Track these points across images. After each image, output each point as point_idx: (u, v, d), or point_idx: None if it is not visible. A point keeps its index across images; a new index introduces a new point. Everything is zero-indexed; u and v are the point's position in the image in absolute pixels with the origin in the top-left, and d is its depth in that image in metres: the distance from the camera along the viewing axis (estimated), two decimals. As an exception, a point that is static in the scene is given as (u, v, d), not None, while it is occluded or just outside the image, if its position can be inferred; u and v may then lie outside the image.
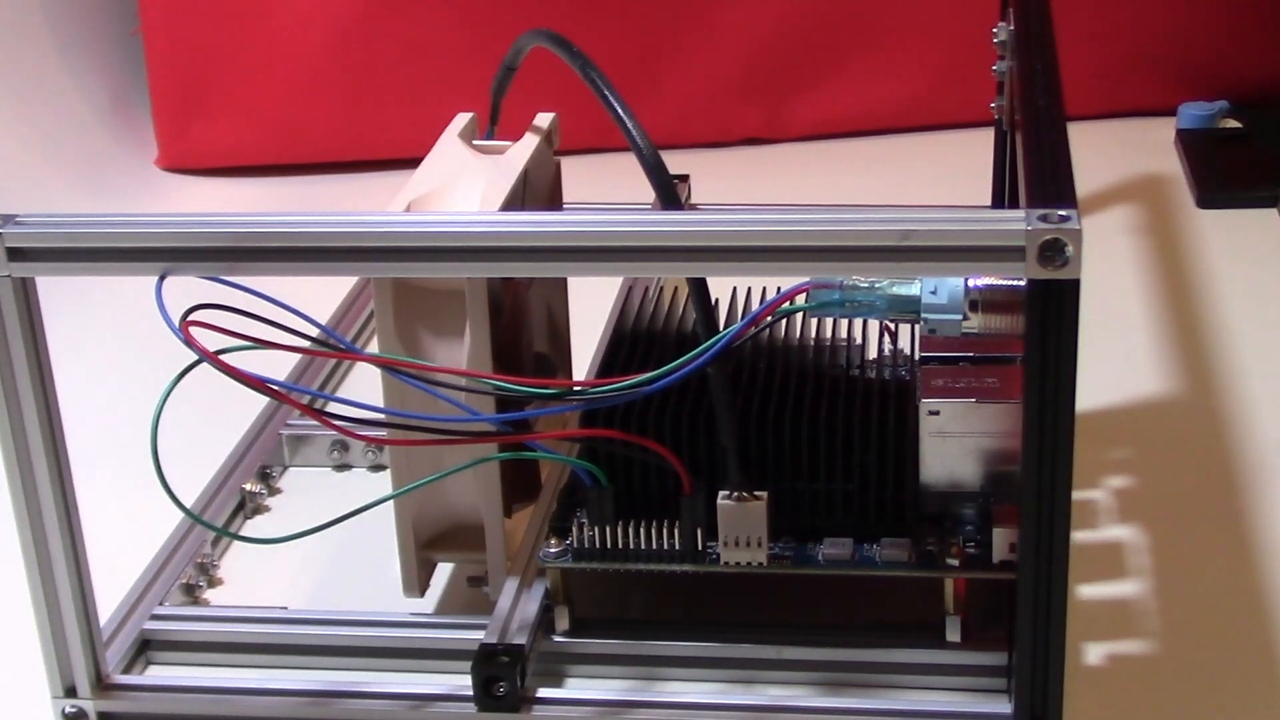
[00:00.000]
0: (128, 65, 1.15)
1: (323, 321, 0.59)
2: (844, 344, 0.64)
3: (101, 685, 0.59)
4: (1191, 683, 0.60)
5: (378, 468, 0.75)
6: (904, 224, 0.49)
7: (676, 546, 0.59)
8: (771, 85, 1.12)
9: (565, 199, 0.70)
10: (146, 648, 0.63)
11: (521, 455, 0.60)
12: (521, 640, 0.59)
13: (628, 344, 0.65)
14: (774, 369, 0.62)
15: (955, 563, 0.58)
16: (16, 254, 0.53)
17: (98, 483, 0.63)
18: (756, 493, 0.58)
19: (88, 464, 0.60)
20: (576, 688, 0.60)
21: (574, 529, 0.60)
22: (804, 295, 0.58)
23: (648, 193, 0.57)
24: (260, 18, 1.09)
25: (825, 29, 1.11)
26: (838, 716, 0.57)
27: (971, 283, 0.58)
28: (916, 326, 0.60)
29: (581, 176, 0.77)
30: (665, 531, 0.59)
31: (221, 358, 0.53)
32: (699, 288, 0.56)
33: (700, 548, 0.59)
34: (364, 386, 0.77)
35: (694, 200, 0.95)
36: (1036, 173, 0.53)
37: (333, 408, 0.59)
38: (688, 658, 0.61)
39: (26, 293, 0.54)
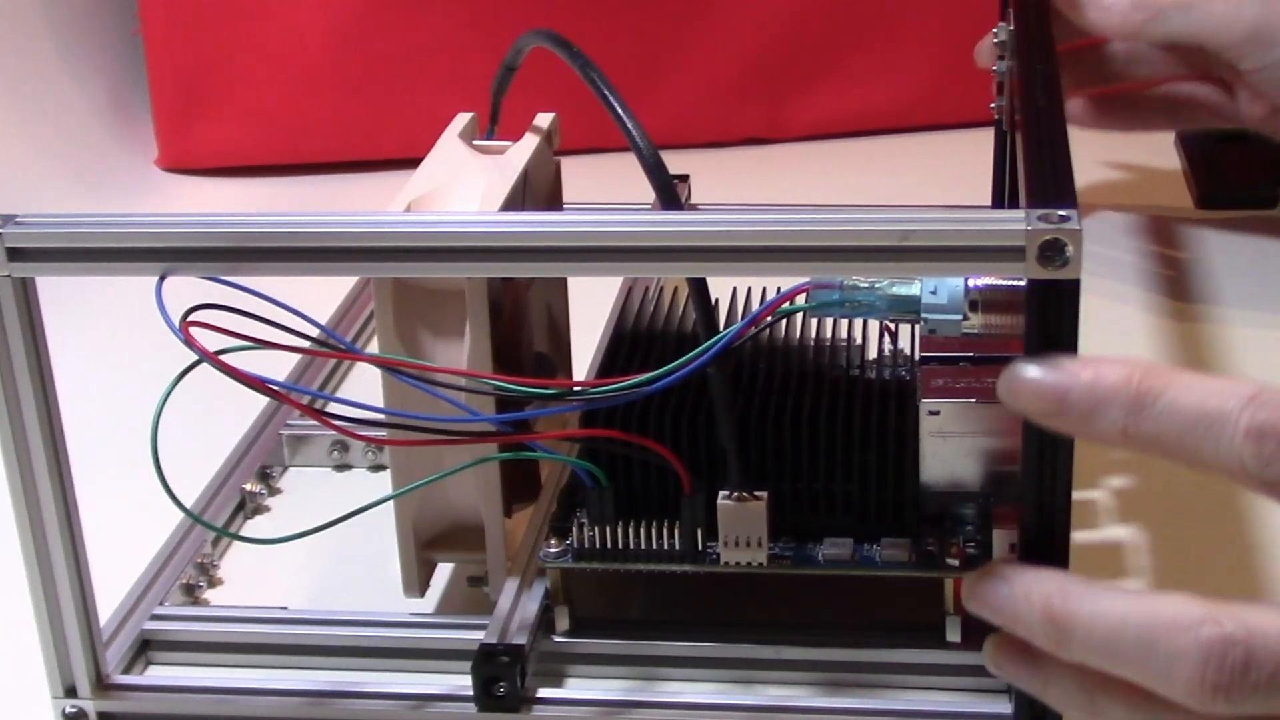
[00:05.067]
0: (128, 65, 1.15)
1: (323, 321, 0.59)
2: (844, 344, 0.64)
3: (101, 685, 0.59)
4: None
5: (378, 468, 0.75)
6: (904, 224, 0.49)
7: (676, 546, 0.59)
8: (771, 85, 1.12)
9: (565, 199, 0.70)
10: (146, 648, 0.63)
11: (521, 455, 0.60)
12: (521, 640, 0.59)
13: (628, 344, 0.65)
14: (774, 369, 0.62)
15: (955, 563, 0.58)
16: (16, 254, 0.53)
17: (98, 483, 0.63)
18: (756, 493, 0.58)
19: (88, 464, 0.60)
20: (576, 688, 0.60)
21: (574, 529, 0.60)
22: (804, 295, 0.58)
23: (648, 193, 0.57)
24: (260, 18, 1.09)
25: (825, 29, 1.11)
26: (838, 716, 0.57)
27: (971, 283, 0.58)
28: (916, 326, 0.60)
29: (581, 176, 0.77)
30: (665, 531, 0.59)
31: (221, 358, 0.53)
32: (699, 288, 0.56)
33: (700, 548, 0.59)
34: (364, 386, 0.77)
35: (694, 200, 0.95)
36: (1036, 173, 0.53)
37: (333, 408, 0.59)
38: (688, 658, 0.61)
39: (26, 293, 0.54)
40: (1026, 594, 0.50)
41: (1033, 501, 0.52)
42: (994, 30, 0.79)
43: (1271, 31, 0.78)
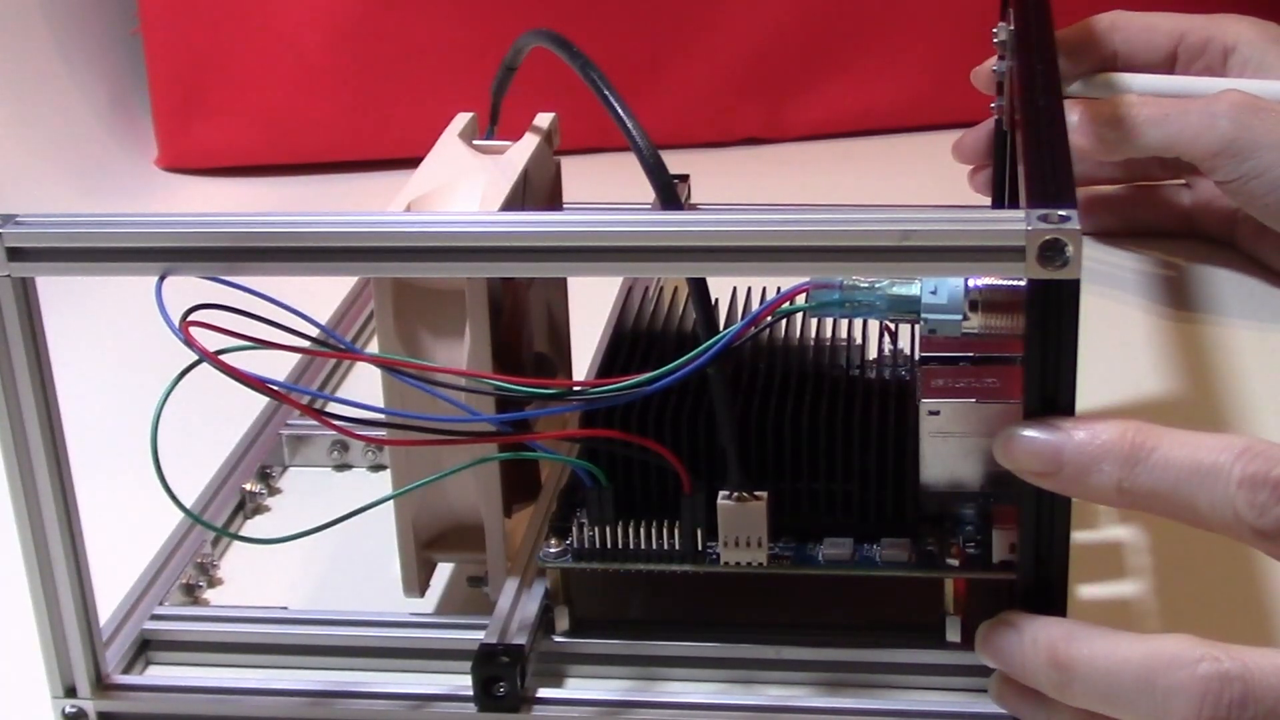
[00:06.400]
0: (128, 65, 1.15)
1: (323, 321, 0.59)
2: (844, 344, 0.64)
3: (101, 685, 0.59)
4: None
5: (378, 468, 0.75)
6: (904, 224, 0.49)
7: (676, 546, 0.59)
8: (771, 85, 1.12)
9: (565, 199, 0.70)
10: (146, 648, 0.63)
11: (521, 455, 0.60)
12: (521, 640, 0.59)
13: (628, 344, 0.65)
14: (774, 369, 0.62)
15: (955, 563, 0.58)
16: (16, 254, 0.53)
17: (98, 483, 0.63)
18: (756, 493, 0.58)
19: (88, 464, 0.60)
20: (576, 688, 0.60)
21: (574, 529, 0.60)
22: (804, 295, 0.58)
23: (648, 193, 0.57)
24: (260, 18, 1.09)
25: (825, 29, 1.11)
26: (838, 716, 0.57)
27: (971, 283, 0.58)
28: (916, 326, 0.60)
29: (581, 176, 0.77)
30: (665, 531, 0.59)
31: (221, 358, 0.53)
32: (699, 288, 0.56)
33: (700, 548, 0.59)
34: (364, 386, 0.77)
35: (694, 200, 0.95)
36: (1036, 173, 0.53)
37: (333, 408, 0.59)
38: (688, 658, 0.61)
39: (26, 293, 0.54)
40: (1034, 639, 0.51)
41: (1032, 501, 0.52)
42: (994, 30, 0.79)
43: (1244, 145, 0.78)
